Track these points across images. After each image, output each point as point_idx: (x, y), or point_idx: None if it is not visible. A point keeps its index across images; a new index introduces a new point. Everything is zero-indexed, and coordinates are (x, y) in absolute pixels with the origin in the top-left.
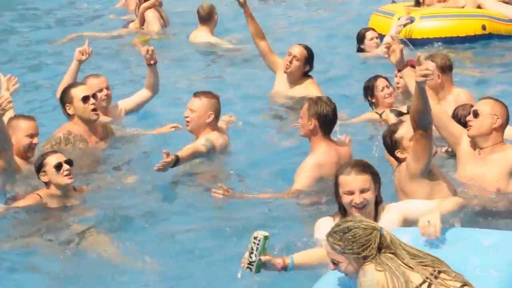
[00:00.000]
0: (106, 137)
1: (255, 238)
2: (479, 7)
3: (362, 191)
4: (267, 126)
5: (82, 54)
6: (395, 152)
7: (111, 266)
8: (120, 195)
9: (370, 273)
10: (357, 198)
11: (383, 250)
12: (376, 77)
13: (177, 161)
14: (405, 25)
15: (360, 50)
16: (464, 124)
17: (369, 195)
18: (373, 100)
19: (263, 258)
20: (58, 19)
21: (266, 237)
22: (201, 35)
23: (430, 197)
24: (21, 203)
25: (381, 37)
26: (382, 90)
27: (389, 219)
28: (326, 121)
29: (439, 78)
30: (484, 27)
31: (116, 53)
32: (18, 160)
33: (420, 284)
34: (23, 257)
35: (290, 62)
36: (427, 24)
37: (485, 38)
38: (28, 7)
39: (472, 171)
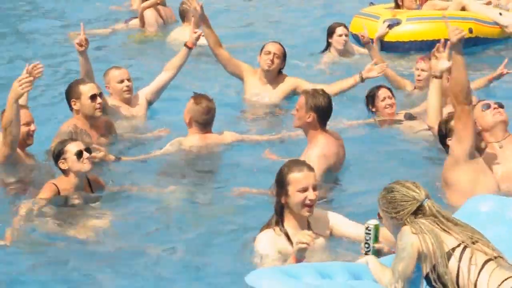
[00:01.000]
0: (107, 134)
1: (367, 228)
2: (463, 9)
3: (314, 188)
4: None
5: (81, 45)
6: (446, 139)
7: (121, 259)
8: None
9: (405, 235)
10: (312, 195)
11: (420, 215)
12: (378, 87)
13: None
14: (390, 27)
15: (328, 43)
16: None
17: (317, 193)
18: (374, 110)
19: (376, 246)
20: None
21: (376, 226)
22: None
23: (473, 189)
24: (41, 195)
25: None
26: (383, 100)
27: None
28: (324, 113)
29: (448, 80)
30: (471, 30)
31: (116, 50)
32: (18, 151)
33: (455, 247)
34: (41, 252)
35: (272, 60)
36: (413, 27)
37: (472, 41)
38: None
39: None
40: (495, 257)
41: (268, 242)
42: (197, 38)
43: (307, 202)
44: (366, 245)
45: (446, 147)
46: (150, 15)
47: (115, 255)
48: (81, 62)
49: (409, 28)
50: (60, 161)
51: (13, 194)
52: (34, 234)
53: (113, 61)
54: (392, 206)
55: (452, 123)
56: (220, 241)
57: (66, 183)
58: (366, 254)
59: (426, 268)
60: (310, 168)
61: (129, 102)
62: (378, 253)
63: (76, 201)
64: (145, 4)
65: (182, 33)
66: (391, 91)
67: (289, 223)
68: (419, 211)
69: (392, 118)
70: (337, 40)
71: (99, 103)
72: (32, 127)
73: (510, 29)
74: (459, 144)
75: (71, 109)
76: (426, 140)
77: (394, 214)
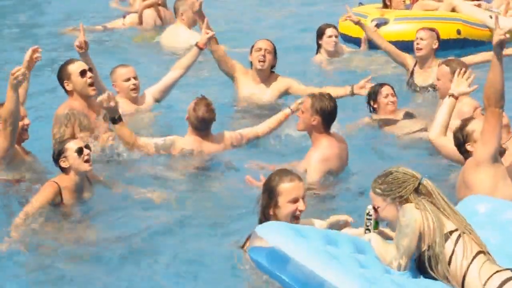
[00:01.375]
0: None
1: (367, 213)
2: (453, 10)
3: (303, 198)
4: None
5: (81, 48)
6: (465, 145)
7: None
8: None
9: (408, 211)
10: (302, 205)
11: (422, 196)
12: (382, 84)
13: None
14: (378, 27)
15: (318, 45)
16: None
17: (306, 203)
18: (375, 106)
19: (376, 231)
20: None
21: (374, 208)
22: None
23: (493, 192)
24: (41, 195)
25: (349, 39)
26: (385, 97)
27: None
28: (328, 117)
29: (451, 83)
30: (459, 32)
31: (112, 47)
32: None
33: (452, 231)
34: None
35: (264, 56)
36: (401, 27)
37: (460, 43)
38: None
39: None
40: (486, 252)
41: None
42: (209, 39)
43: (297, 213)
44: (367, 230)
45: (465, 154)
46: (149, 14)
47: (111, 259)
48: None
49: (397, 28)
50: (61, 159)
51: (11, 190)
52: (30, 238)
53: (108, 59)
54: (396, 185)
55: (468, 128)
56: (213, 243)
57: (67, 181)
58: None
59: (422, 247)
60: (300, 179)
61: (135, 100)
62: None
63: (73, 204)
64: (146, 3)
65: (174, 31)
66: (393, 90)
67: None
68: (419, 190)
69: (390, 116)
70: (327, 42)
71: (90, 77)
72: (26, 121)
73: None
74: (484, 146)
75: (66, 91)
76: (421, 140)
77: (398, 193)
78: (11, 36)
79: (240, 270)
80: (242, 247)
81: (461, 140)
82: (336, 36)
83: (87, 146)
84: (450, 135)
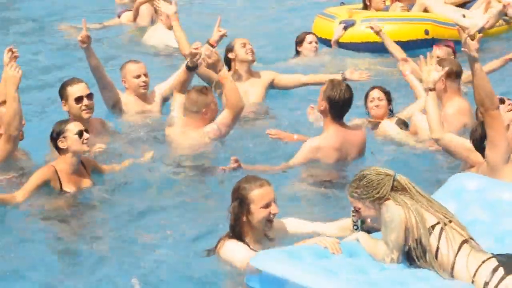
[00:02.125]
0: (103, 133)
1: (353, 211)
2: (425, 10)
3: (275, 201)
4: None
5: (83, 42)
6: (484, 143)
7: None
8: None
9: (391, 208)
10: (275, 208)
11: (399, 193)
12: (373, 87)
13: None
14: (345, 29)
15: (297, 52)
16: None
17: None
18: (366, 109)
19: (364, 226)
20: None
21: None
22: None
23: None
24: (37, 173)
25: (322, 40)
26: (371, 101)
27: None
28: (336, 107)
29: (443, 83)
30: (427, 32)
31: (108, 44)
32: None
33: (434, 225)
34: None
35: (251, 49)
36: (367, 28)
37: (428, 43)
38: None
39: None
40: (469, 239)
41: (239, 244)
42: (222, 36)
43: (271, 217)
44: (355, 227)
45: (482, 150)
46: (145, 9)
47: (107, 251)
48: (87, 57)
49: (363, 29)
50: (59, 139)
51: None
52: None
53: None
54: (371, 188)
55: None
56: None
57: (62, 163)
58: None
59: (408, 242)
60: (269, 182)
61: (144, 97)
62: (367, 233)
63: (74, 193)
64: None
65: (154, 31)
66: (386, 94)
67: (248, 239)
68: (394, 187)
69: (379, 120)
70: (308, 48)
71: (85, 105)
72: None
73: (471, 31)
74: (493, 149)
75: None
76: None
77: (375, 195)
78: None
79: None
80: (215, 249)
81: (479, 138)
82: (316, 42)
83: (86, 131)
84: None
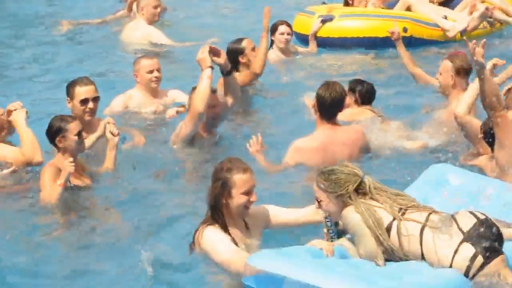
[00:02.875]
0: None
1: (326, 217)
2: (408, 9)
3: (254, 189)
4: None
5: None
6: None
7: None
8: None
9: (350, 216)
10: (254, 196)
11: (360, 196)
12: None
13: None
14: (323, 22)
15: (271, 41)
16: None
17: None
18: None
19: (339, 227)
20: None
21: None
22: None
23: None
24: (48, 175)
25: (301, 36)
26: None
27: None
28: (323, 106)
29: (452, 79)
30: (405, 29)
31: (104, 40)
32: None
33: (391, 221)
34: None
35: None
36: (345, 24)
37: (406, 41)
38: None
39: None
40: (426, 221)
41: (217, 231)
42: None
43: (249, 204)
44: (330, 231)
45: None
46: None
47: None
48: None
49: (341, 25)
50: (58, 138)
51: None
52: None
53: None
54: (338, 185)
55: None
56: None
57: (60, 162)
58: (332, 239)
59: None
60: (251, 169)
61: (154, 93)
62: (342, 233)
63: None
64: None
65: (135, 26)
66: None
67: (227, 222)
68: (360, 187)
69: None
70: (279, 38)
71: (89, 108)
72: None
73: (451, 33)
74: (502, 150)
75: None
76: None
77: (339, 191)
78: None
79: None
80: (192, 244)
81: (490, 130)
82: (288, 34)
83: (82, 130)
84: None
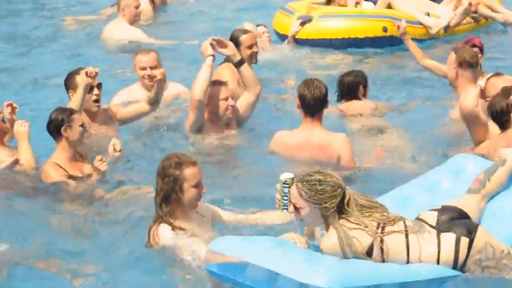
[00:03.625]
0: (109, 123)
1: (284, 182)
2: (389, 7)
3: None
4: None
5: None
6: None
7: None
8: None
9: (329, 241)
10: (204, 187)
11: (339, 215)
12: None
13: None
14: (302, 25)
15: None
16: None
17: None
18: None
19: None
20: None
21: (292, 179)
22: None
23: None
24: (53, 178)
25: (281, 36)
26: None
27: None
28: (304, 103)
29: (455, 71)
30: (385, 29)
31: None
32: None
33: (371, 243)
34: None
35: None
36: (324, 24)
37: (387, 41)
38: None
39: None
40: (406, 229)
41: (169, 236)
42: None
43: (200, 195)
44: (284, 200)
45: (506, 123)
46: None
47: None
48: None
49: (319, 26)
50: (65, 127)
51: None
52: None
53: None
54: (323, 197)
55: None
56: None
57: (61, 152)
58: (284, 208)
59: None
60: (197, 162)
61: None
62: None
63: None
64: None
65: (115, 26)
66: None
67: (178, 216)
68: (343, 200)
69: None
70: (261, 40)
71: (95, 95)
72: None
73: (433, 30)
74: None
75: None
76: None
77: (324, 205)
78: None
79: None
80: (148, 243)
81: (505, 109)
82: (267, 32)
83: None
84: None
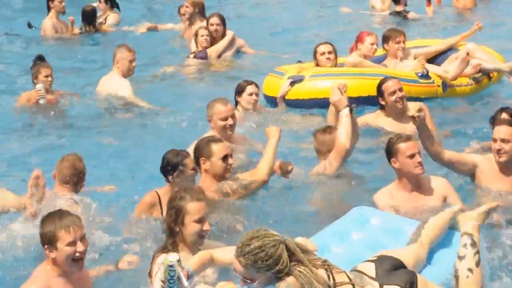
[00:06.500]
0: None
1: (170, 266)
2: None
3: (207, 218)
4: None
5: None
6: None
7: None
8: None
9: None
10: (207, 225)
11: (291, 263)
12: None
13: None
14: (292, 84)
15: (236, 102)
16: None
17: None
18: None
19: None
20: None
21: (178, 261)
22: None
23: None
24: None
25: (271, 99)
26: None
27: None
28: None
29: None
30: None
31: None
32: None
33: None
34: None
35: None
36: (315, 84)
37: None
38: None
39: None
40: (351, 281)
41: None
42: None
43: (203, 233)
44: (170, 284)
45: None
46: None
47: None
48: None
49: (310, 85)
50: (177, 172)
51: None
52: None
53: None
54: (271, 261)
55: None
56: None
57: (167, 193)
58: None
59: None
60: (205, 199)
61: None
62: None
63: None
64: None
65: (108, 78)
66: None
67: (181, 250)
68: (288, 251)
69: None
70: (247, 99)
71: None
72: None
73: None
74: None
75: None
76: None
77: (276, 268)
78: None
79: None
80: (149, 273)
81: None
82: (256, 94)
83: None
84: None
